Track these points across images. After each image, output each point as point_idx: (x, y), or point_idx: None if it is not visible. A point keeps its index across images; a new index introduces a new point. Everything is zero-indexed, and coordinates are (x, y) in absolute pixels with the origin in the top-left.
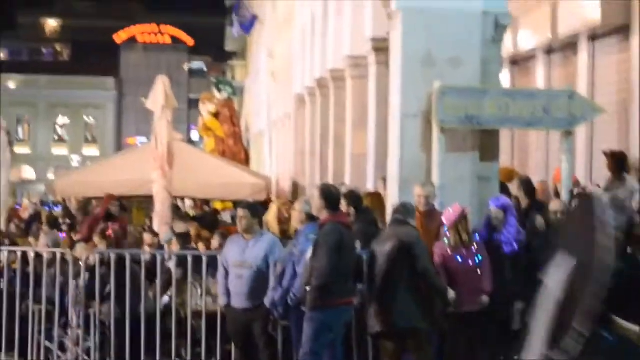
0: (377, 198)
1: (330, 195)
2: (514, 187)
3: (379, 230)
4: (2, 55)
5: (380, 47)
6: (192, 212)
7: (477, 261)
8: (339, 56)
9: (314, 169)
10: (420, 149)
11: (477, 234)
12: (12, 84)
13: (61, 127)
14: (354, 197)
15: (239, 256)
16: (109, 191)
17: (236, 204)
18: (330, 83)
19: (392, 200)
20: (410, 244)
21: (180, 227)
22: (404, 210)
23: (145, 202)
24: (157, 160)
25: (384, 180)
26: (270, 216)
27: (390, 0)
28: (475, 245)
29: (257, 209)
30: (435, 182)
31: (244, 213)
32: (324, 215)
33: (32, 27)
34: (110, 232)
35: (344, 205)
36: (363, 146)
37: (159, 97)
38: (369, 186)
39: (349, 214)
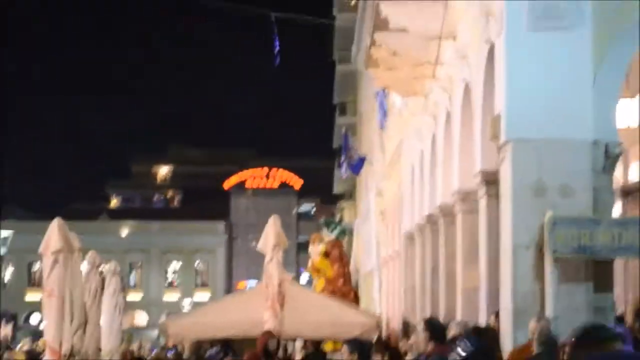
0: (492, 333)
1: (435, 328)
2: (629, 318)
3: None
4: (115, 202)
5: (490, 180)
6: (300, 354)
7: None
8: (448, 191)
9: (424, 306)
10: (533, 280)
11: None
12: (125, 231)
13: (173, 272)
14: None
15: None
16: (220, 333)
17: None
18: (440, 219)
19: (506, 333)
20: None
21: None
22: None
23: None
24: (268, 300)
25: (497, 314)
26: None
27: (499, 132)
28: None
29: (364, 348)
30: (549, 314)
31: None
32: (430, 347)
33: (145, 174)
34: None
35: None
36: (474, 280)
37: (270, 237)
38: (481, 321)
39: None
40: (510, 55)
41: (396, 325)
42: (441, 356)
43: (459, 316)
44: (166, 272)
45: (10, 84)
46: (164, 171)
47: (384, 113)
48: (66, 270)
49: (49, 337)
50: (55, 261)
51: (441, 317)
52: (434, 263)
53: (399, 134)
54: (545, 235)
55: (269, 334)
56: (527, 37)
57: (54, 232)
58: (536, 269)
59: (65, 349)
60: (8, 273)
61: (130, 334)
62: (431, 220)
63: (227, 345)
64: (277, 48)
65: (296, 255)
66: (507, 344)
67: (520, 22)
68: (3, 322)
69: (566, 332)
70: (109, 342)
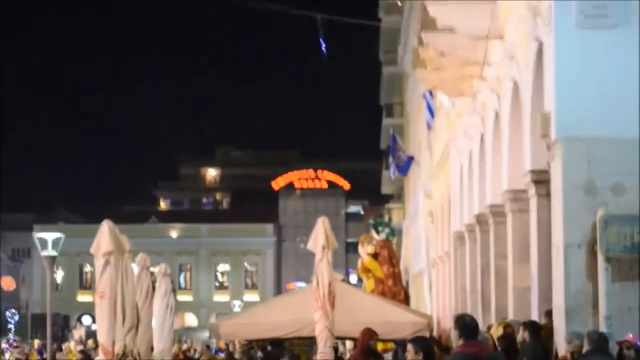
0: (547, 331)
1: (464, 325)
2: None
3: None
4: (164, 205)
5: (540, 179)
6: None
7: None
8: (497, 191)
9: (475, 306)
10: (585, 279)
11: None
12: (174, 233)
13: (222, 274)
14: (533, 326)
15: None
16: (270, 333)
17: (397, 343)
18: (489, 218)
19: (558, 331)
20: None
21: None
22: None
23: (308, 344)
24: (318, 300)
25: (549, 313)
26: None
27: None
28: None
29: (429, 347)
30: (602, 313)
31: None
32: (459, 344)
33: (193, 177)
34: None
35: (520, 333)
36: (525, 280)
37: (319, 238)
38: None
39: (524, 340)
40: (559, 53)
41: (447, 325)
42: (458, 354)
43: (510, 315)
44: (215, 274)
45: (61, 87)
46: (212, 173)
47: (431, 114)
48: (117, 271)
49: (101, 337)
50: (107, 263)
51: (492, 317)
52: (484, 262)
53: (447, 134)
54: (597, 233)
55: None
56: (576, 36)
57: (105, 234)
58: (588, 268)
59: (118, 349)
60: (60, 276)
61: (180, 334)
62: (481, 220)
63: (278, 345)
64: (324, 50)
65: (345, 256)
66: (560, 342)
67: (569, 21)
68: (78, 324)
69: (620, 331)
70: (160, 343)
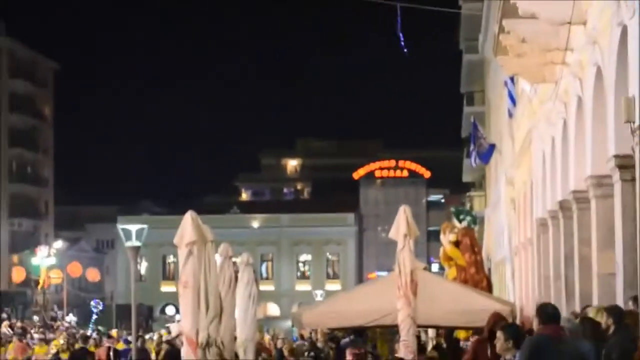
0: (634, 317)
1: (546, 313)
2: None
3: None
4: (246, 195)
5: (625, 164)
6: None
7: None
8: (580, 177)
9: (559, 293)
10: None
11: None
12: (255, 223)
13: (303, 263)
14: (616, 312)
15: None
16: (353, 322)
17: (480, 331)
18: (573, 205)
19: None
20: None
21: None
22: None
23: (390, 332)
24: (400, 288)
25: (635, 299)
26: None
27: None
28: None
29: (519, 334)
30: None
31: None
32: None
33: (274, 167)
34: None
35: (604, 319)
36: (610, 266)
37: (401, 226)
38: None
39: (609, 327)
40: None
41: (530, 312)
42: (536, 336)
43: (594, 302)
44: (297, 264)
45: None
46: (293, 164)
47: (513, 101)
48: (200, 261)
49: (185, 327)
50: (190, 253)
51: (576, 304)
52: (568, 249)
53: (529, 121)
54: None
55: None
56: None
57: (188, 224)
58: None
59: (202, 338)
60: (143, 266)
61: (262, 324)
62: (564, 206)
63: (360, 333)
64: (403, 39)
65: (426, 244)
66: None
67: None
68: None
69: None
70: (243, 332)
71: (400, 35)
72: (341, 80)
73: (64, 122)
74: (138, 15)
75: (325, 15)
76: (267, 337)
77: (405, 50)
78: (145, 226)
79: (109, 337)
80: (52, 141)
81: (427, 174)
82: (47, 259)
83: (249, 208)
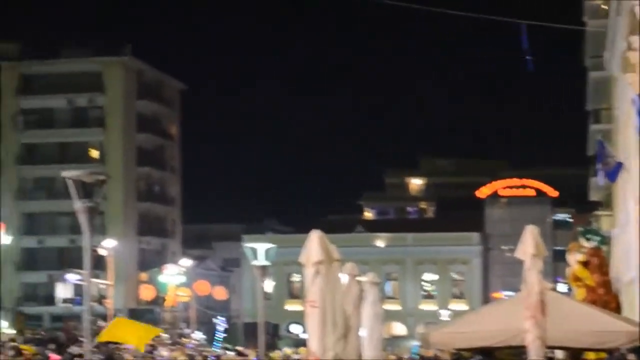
0: None
1: None
2: None
3: None
4: (370, 214)
5: None
6: None
7: None
8: None
9: None
10: None
11: None
12: (380, 243)
13: (429, 283)
14: None
15: None
16: (480, 342)
17: (609, 353)
18: None
19: None
20: None
21: None
22: None
23: (518, 353)
24: (529, 309)
25: None
26: None
27: None
28: None
29: None
30: None
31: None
32: None
33: (398, 187)
34: None
35: None
36: None
37: (528, 246)
38: None
39: None
40: None
41: None
42: None
43: None
44: (422, 283)
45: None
46: (417, 183)
47: None
48: (327, 280)
49: (312, 346)
50: (317, 272)
51: None
52: None
53: None
54: None
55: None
56: None
57: (314, 244)
58: None
59: (329, 357)
60: (269, 285)
61: (386, 343)
62: None
63: (488, 354)
64: (529, 57)
65: (552, 264)
66: None
67: None
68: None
69: None
70: (369, 351)
71: (526, 51)
72: (461, 99)
73: (190, 141)
74: (262, 34)
75: (454, 38)
76: (391, 357)
77: (530, 66)
78: (273, 245)
79: (240, 354)
80: (179, 160)
81: (553, 192)
82: (175, 277)
83: (373, 227)
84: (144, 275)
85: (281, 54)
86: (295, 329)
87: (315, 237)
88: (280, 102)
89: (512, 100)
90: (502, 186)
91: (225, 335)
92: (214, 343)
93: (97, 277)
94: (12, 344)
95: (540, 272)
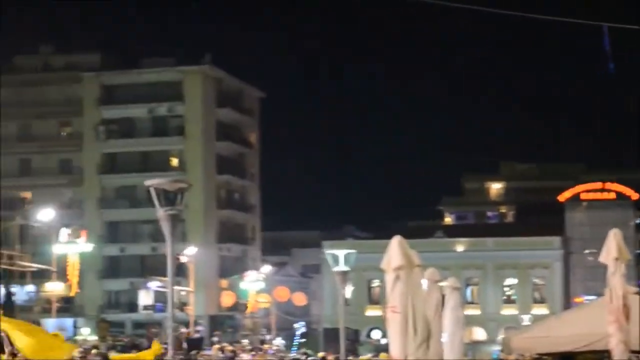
0: None
1: None
2: None
3: None
4: (450, 219)
5: None
6: None
7: None
8: None
9: None
10: None
11: None
12: (460, 247)
13: (509, 287)
14: None
15: None
16: (563, 347)
17: None
18: None
19: None
20: None
21: None
22: None
23: (601, 358)
24: (612, 313)
25: None
26: None
27: None
28: None
29: None
30: None
31: None
32: None
33: (478, 191)
34: None
35: None
36: None
37: (612, 250)
38: None
39: None
40: None
41: None
42: None
43: None
44: (502, 288)
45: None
46: (496, 187)
47: None
48: (408, 285)
49: (394, 351)
50: (397, 277)
51: None
52: None
53: None
54: None
55: None
56: None
57: (395, 249)
58: None
59: None
60: (349, 290)
61: (467, 349)
62: None
63: (569, 358)
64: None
65: (636, 268)
66: None
67: None
68: None
69: None
70: (451, 356)
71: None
72: (540, 102)
73: (270, 149)
74: (345, 42)
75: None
76: None
77: (611, 68)
78: (354, 251)
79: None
80: (258, 168)
81: (635, 195)
82: (255, 284)
83: (453, 232)
84: (224, 282)
85: (363, 65)
86: (376, 334)
87: (395, 243)
88: (360, 109)
89: (590, 103)
90: (583, 190)
91: (303, 340)
92: (292, 348)
93: (178, 284)
94: (95, 350)
95: (624, 276)
